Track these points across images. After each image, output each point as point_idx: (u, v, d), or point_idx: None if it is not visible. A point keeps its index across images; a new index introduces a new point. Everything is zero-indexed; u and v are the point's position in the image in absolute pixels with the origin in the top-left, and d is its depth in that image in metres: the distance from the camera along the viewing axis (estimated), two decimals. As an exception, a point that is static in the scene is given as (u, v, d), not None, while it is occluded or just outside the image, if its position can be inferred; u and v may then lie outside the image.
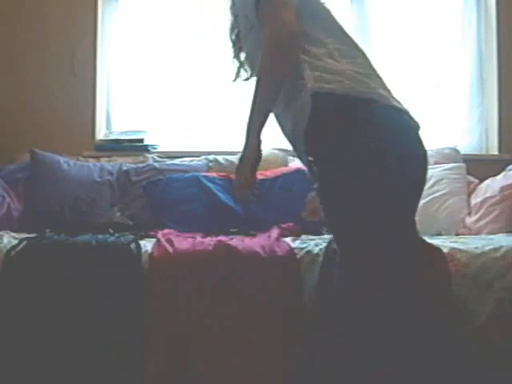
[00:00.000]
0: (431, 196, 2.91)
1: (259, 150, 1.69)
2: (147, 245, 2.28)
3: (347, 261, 1.62)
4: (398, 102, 1.66)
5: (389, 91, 1.68)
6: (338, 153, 1.56)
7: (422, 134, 1.67)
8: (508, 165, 2.94)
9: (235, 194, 1.79)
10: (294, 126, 1.69)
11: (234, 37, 1.92)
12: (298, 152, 1.79)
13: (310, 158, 1.65)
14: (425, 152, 1.66)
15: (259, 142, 1.67)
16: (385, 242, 1.55)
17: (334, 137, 1.56)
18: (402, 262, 1.57)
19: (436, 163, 3.04)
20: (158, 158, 3.22)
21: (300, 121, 1.63)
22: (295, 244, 2.27)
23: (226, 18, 1.94)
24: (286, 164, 3.16)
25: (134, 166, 3.12)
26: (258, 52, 1.67)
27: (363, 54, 1.75)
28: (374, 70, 1.72)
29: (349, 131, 1.55)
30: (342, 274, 1.64)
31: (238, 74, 1.94)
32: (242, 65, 1.92)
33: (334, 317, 1.71)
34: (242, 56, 1.91)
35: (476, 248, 2.16)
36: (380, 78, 1.70)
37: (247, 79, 1.91)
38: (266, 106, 1.65)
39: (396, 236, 1.57)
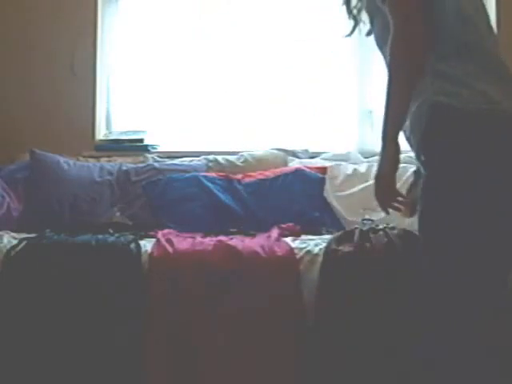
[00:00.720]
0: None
1: (398, 155, 1.58)
2: (147, 245, 2.28)
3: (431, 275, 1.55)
4: None
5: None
6: (450, 166, 1.50)
7: None
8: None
9: (381, 205, 1.68)
10: (411, 126, 1.59)
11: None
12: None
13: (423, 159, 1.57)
14: None
15: (397, 146, 1.58)
16: (476, 258, 1.50)
17: (448, 149, 1.50)
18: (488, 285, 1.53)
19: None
20: (158, 158, 3.22)
21: (415, 126, 1.56)
22: (295, 244, 2.27)
23: None
24: (285, 164, 3.15)
25: (133, 165, 3.11)
26: (384, 35, 1.58)
27: (495, 43, 1.62)
28: (504, 66, 1.59)
29: (463, 146, 1.48)
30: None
31: (353, 30, 1.83)
32: (357, 22, 1.81)
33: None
34: (355, 8, 1.79)
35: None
36: (506, 78, 1.57)
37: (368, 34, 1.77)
38: (398, 107, 1.55)
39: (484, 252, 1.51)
